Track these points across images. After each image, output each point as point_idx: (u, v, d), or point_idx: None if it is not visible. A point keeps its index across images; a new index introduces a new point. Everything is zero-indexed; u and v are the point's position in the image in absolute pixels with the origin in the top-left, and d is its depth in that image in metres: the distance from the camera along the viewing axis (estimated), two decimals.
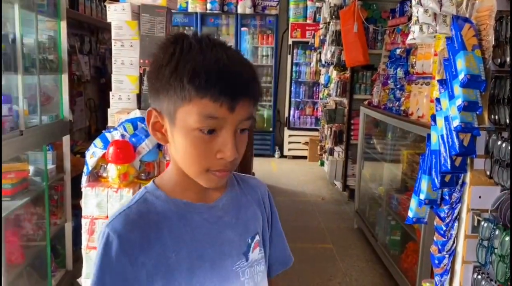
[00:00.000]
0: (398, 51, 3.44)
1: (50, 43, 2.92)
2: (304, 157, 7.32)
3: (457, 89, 1.48)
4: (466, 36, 1.47)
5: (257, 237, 0.93)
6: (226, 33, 7.36)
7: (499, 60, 1.44)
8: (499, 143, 1.44)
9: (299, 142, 7.45)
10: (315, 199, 5.32)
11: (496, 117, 1.47)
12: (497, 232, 1.43)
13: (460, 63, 1.46)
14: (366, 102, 4.22)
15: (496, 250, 1.43)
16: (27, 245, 2.64)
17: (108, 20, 2.19)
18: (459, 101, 1.47)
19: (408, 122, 2.96)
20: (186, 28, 7.21)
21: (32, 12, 2.48)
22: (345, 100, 5.29)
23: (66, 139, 2.97)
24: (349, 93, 5.18)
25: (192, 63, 0.76)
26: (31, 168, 2.63)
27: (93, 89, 4.51)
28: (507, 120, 1.41)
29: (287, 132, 7.50)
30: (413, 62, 3.08)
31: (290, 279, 3.28)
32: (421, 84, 2.88)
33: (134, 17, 2.16)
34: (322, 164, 6.46)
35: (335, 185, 5.75)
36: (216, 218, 0.88)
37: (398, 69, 3.36)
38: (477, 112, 1.49)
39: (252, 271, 0.90)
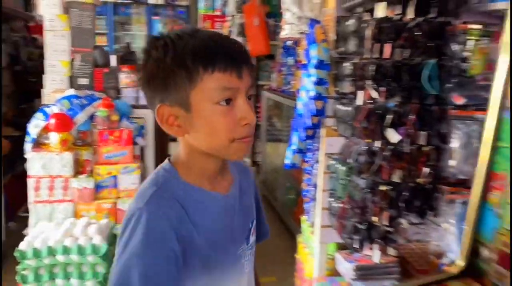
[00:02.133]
0: (288, 43, 4.12)
1: None
2: None
3: (312, 70, 2.15)
4: (317, 33, 2.13)
5: (254, 222, 0.99)
6: (137, 22, 7.58)
7: (338, 50, 2.12)
8: (339, 106, 2.13)
9: None
10: None
11: (338, 89, 2.16)
12: (338, 166, 2.12)
13: (313, 52, 2.12)
14: (267, 87, 4.91)
15: (338, 178, 2.12)
16: None
17: (41, 13, 2.56)
18: (313, 79, 2.14)
19: (293, 100, 3.65)
20: (101, 16, 7.36)
21: None
22: None
23: None
24: (255, 80, 5.81)
25: (189, 45, 0.76)
26: None
27: (8, 76, 4.63)
28: (343, 91, 2.10)
29: None
30: (300, 52, 3.78)
31: None
32: None
33: (64, 11, 2.55)
34: None
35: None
36: (230, 206, 0.91)
37: (289, 58, 4.05)
38: (326, 86, 2.17)
39: (249, 253, 0.96)
